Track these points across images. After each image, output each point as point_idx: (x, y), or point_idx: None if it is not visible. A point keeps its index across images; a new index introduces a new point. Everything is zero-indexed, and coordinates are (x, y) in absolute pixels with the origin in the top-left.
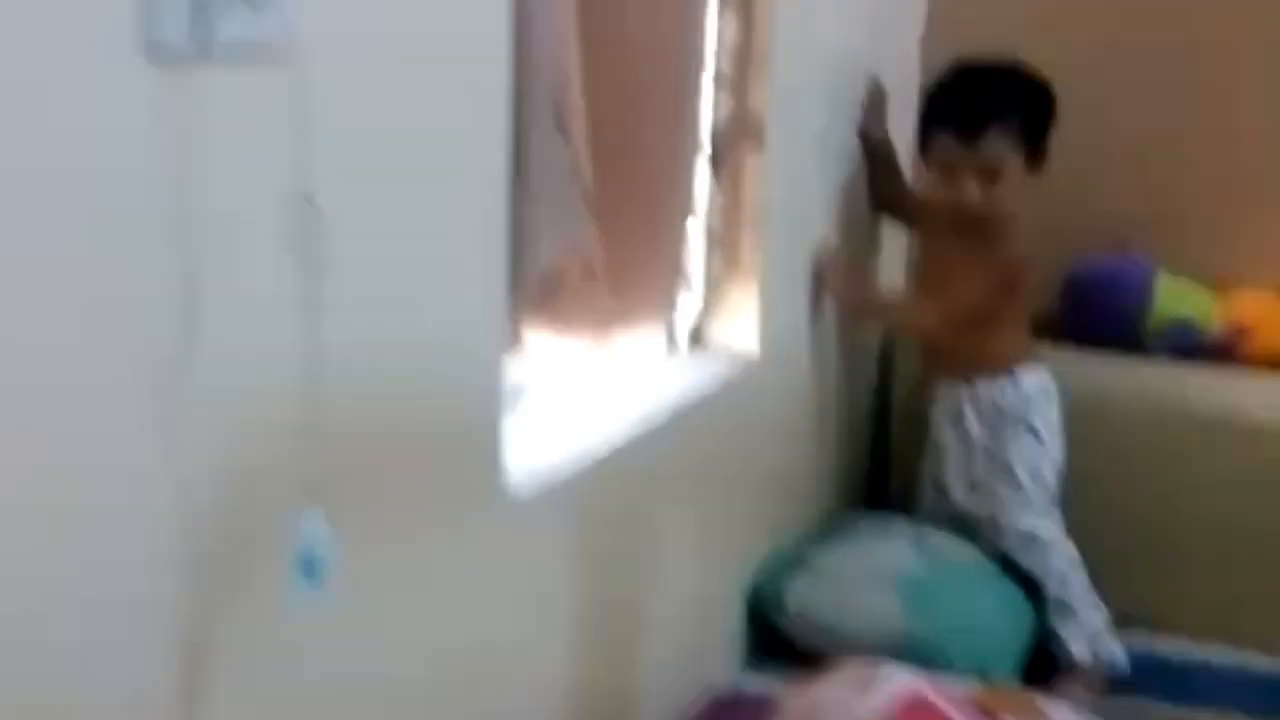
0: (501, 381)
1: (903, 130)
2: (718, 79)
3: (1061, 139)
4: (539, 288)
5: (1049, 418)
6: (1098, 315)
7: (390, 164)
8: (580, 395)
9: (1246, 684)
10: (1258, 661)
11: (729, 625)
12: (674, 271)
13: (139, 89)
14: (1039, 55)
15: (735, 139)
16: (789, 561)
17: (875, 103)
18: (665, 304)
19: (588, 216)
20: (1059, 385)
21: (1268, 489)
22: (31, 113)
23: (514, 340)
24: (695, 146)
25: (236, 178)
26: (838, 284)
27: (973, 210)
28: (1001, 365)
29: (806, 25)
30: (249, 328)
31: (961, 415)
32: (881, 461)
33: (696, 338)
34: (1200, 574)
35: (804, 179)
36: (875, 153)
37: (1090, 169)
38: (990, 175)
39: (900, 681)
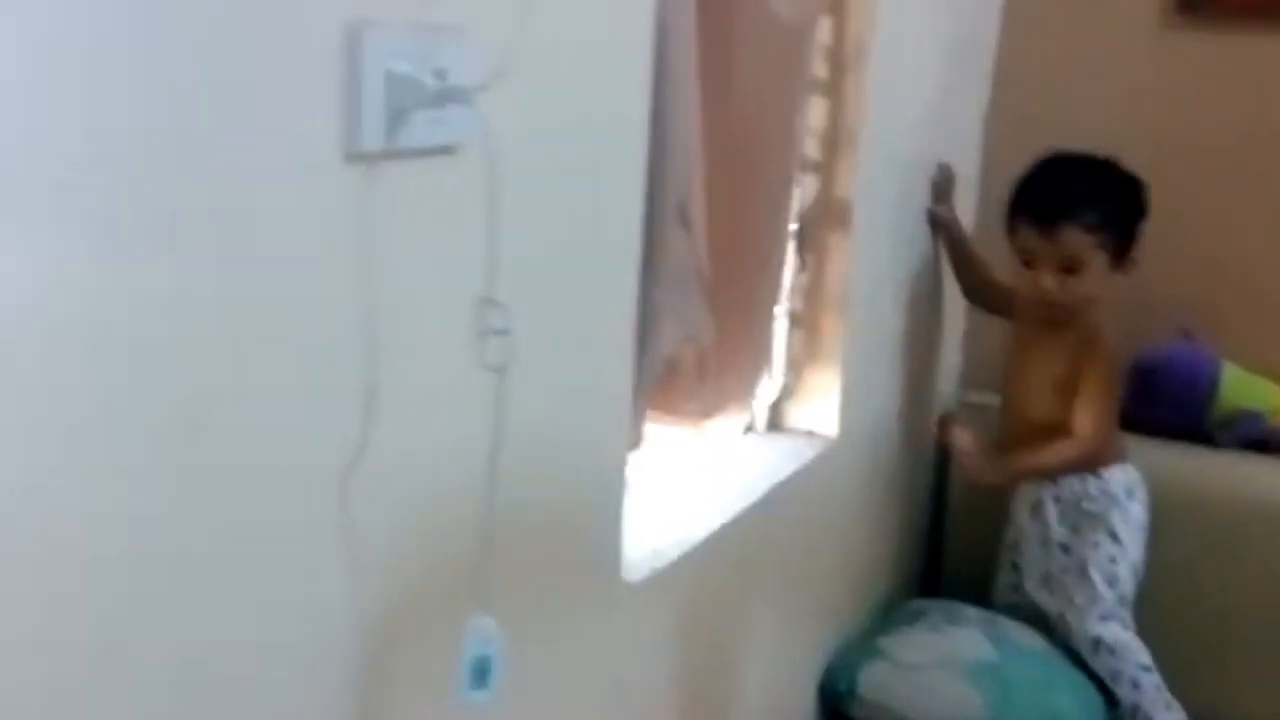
0: (624, 471)
1: (965, 214)
2: (805, 163)
3: None
4: (658, 377)
5: (1132, 517)
6: (1163, 404)
7: (551, 260)
8: (677, 480)
9: None
10: None
11: (804, 712)
12: (763, 356)
13: (338, 190)
14: (1102, 140)
15: (821, 222)
16: (861, 649)
17: (943, 185)
18: (753, 388)
19: (706, 307)
20: None
21: None
22: (248, 213)
23: (636, 429)
24: (788, 232)
25: (422, 273)
26: (979, 468)
27: (1050, 301)
28: (1088, 463)
29: (890, 110)
30: (430, 426)
31: (1041, 508)
32: (937, 546)
33: (775, 419)
34: (1273, 668)
35: (883, 262)
36: (946, 235)
37: (1155, 257)
38: (1070, 267)
39: None
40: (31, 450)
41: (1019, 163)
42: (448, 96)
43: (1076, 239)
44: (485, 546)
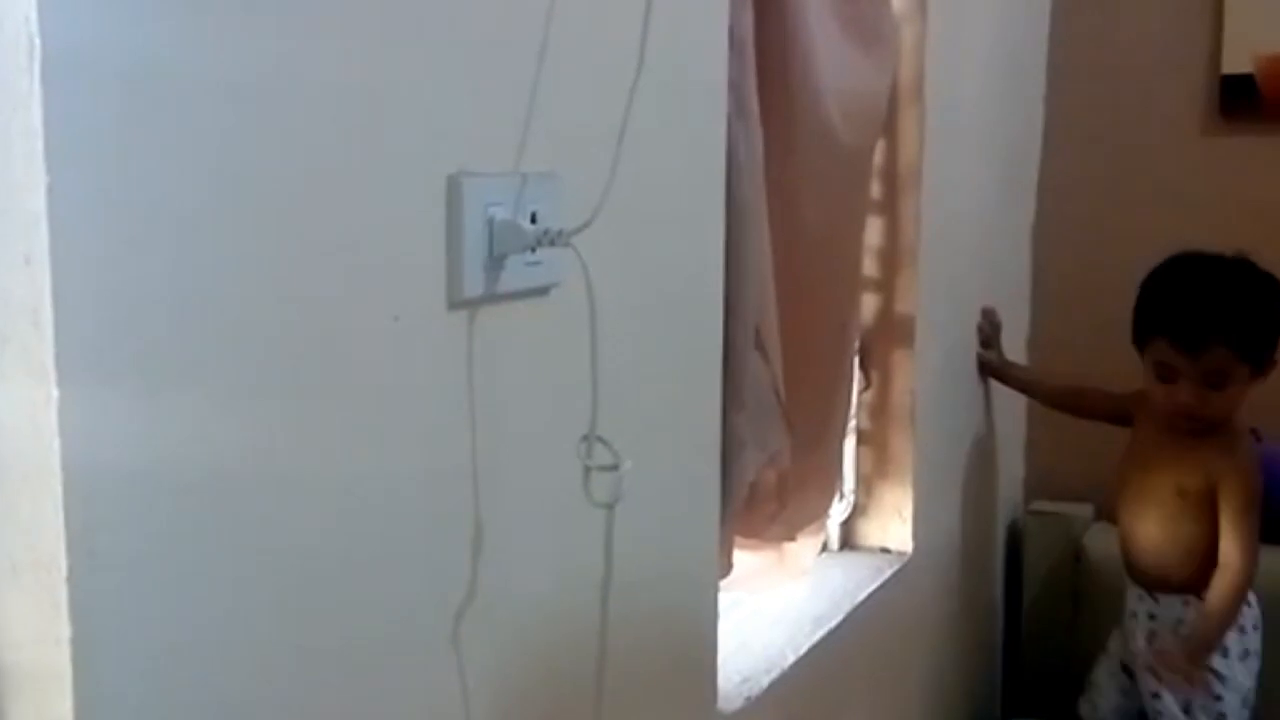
0: (717, 599)
1: (1019, 320)
2: (866, 282)
3: None
4: (742, 503)
5: (1250, 646)
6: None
7: (644, 394)
8: (762, 606)
9: None
10: None
11: None
12: (837, 475)
13: (444, 334)
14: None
15: (883, 340)
16: None
17: (990, 332)
18: (828, 508)
19: (785, 430)
20: None
21: None
22: (360, 363)
23: (725, 556)
24: (854, 351)
25: (526, 412)
26: (1184, 669)
27: (1191, 414)
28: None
29: (945, 226)
30: (540, 564)
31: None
32: (1016, 662)
33: (847, 538)
34: None
35: (945, 376)
36: (999, 377)
37: None
38: (1214, 382)
39: None
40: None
41: (1068, 271)
42: (544, 240)
43: (1222, 356)
44: (598, 683)
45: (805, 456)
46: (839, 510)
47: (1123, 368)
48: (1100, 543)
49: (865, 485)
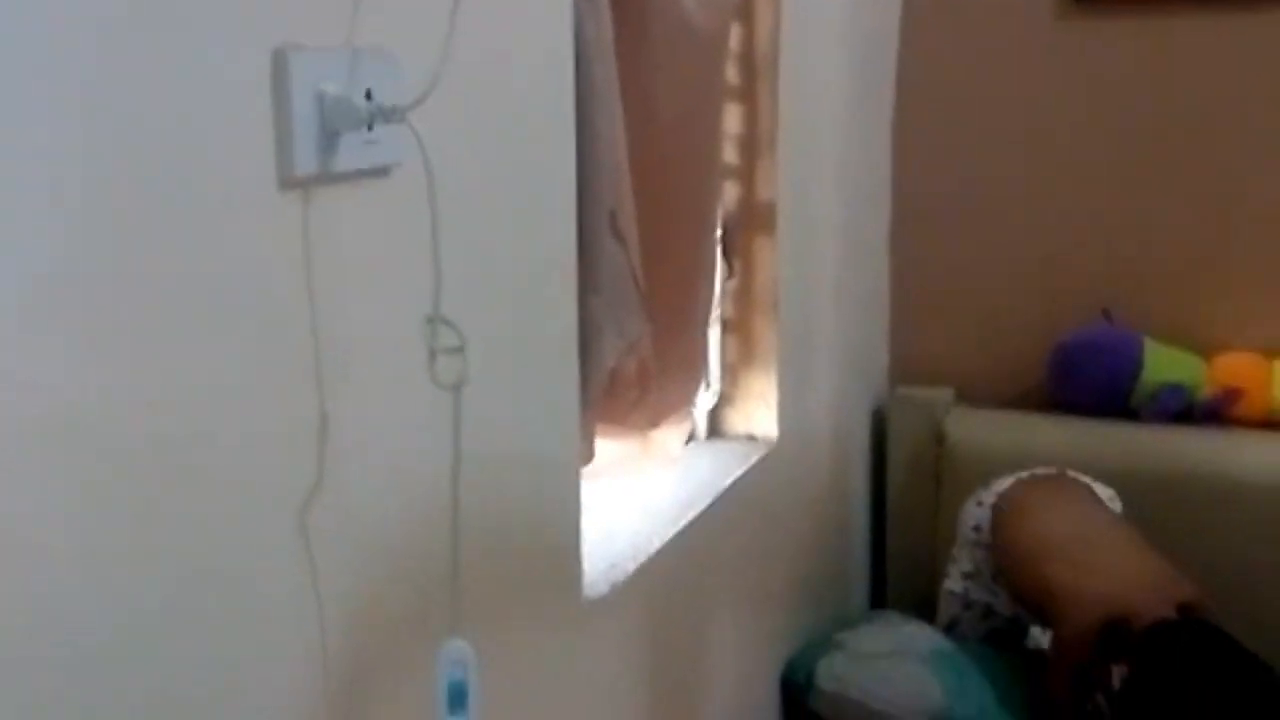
0: (579, 486)
1: (879, 219)
2: (726, 169)
3: (1044, 209)
4: (602, 389)
5: None
6: (1088, 384)
7: (492, 275)
8: (626, 493)
9: None
10: None
11: (767, 708)
12: (701, 364)
13: (276, 215)
14: (1011, 133)
15: (746, 227)
16: (820, 643)
17: None
18: (693, 396)
19: (645, 319)
20: (1048, 448)
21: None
22: (188, 236)
23: (586, 443)
24: (715, 239)
25: (367, 295)
26: None
27: None
28: None
29: (804, 113)
30: (387, 450)
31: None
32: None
33: (715, 427)
34: None
35: (810, 263)
36: None
37: (1073, 240)
38: None
39: None
40: None
41: (928, 166)
42: (379, 117)
43: None
44: (452, 569)
45: (667, 344)
46: (706, 399)
47: (985, 252)
48: (961, 426)
49: (731, 374)
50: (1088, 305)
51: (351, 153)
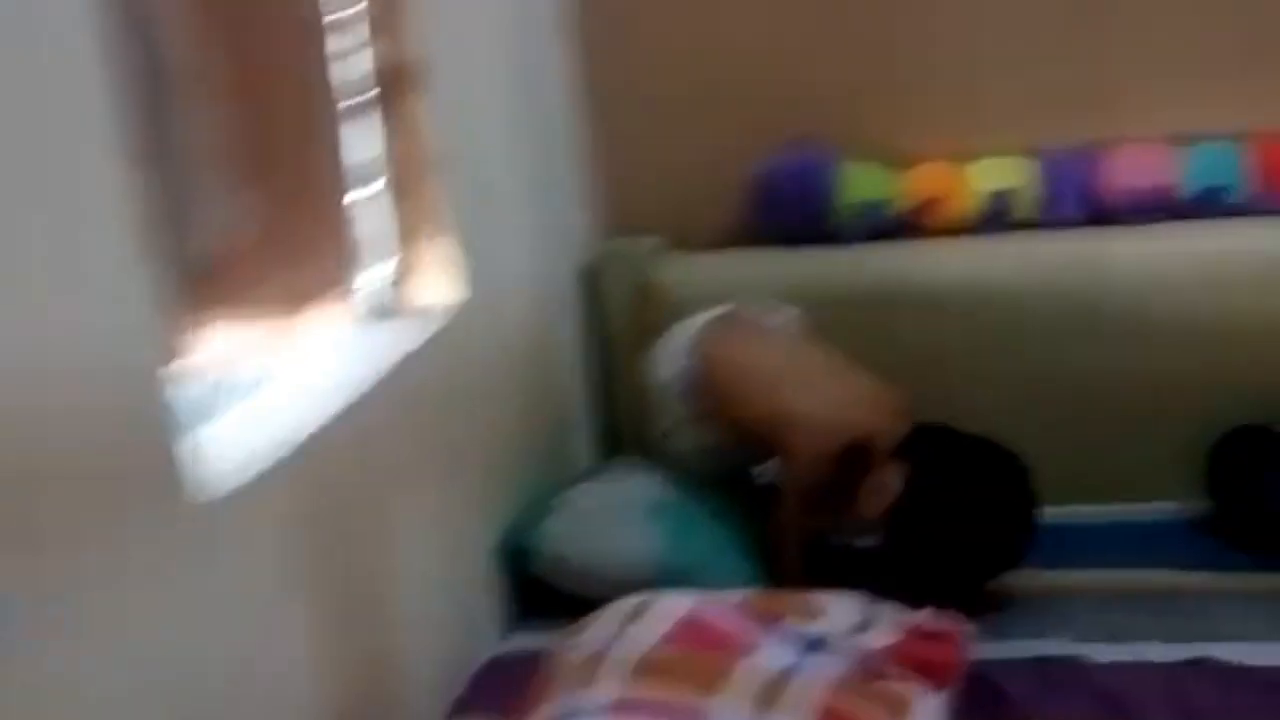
0: (164, 384)
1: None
2: (371, 23)
3: (732, 41)
4: (204, 272)
5: None
6: (788, 211)
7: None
8: (276, 381)
9: None
10: None
11: (488, 587)
12: (343, 237)
13: None
14: None
15: (395, 86)
16: (541, 506)
17: None
18: (343, 272)
19: (239, 189)
20: (755, 282)
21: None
22: None
23: (186, 336)
24: (331, 100)
25: None
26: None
27: None
28: None
29: None
30: None
31: None
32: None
33: (399, 297)
34: None
35: (485, 120)
36: None
37: (762, 68)
38: None
39: (669, 605)
40: None
41: (614, 8)
42: None
43: None
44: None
45: (293, 220)
46: (377, 271)
47: (680, 92)
48: (670, 274)
49: (407, 243)
50: (784, 133)
51: None
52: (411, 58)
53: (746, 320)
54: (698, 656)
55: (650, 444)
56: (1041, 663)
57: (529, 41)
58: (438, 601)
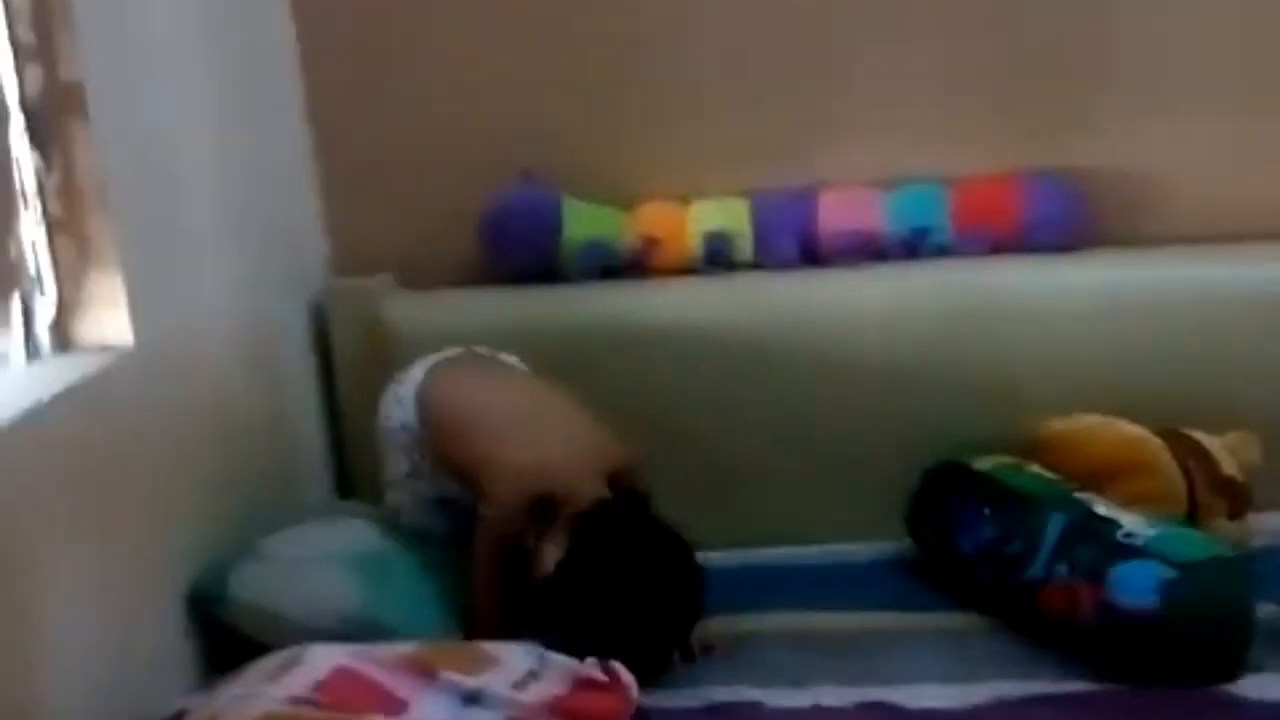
0: None
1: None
2: (24, 49)
3: (462, 77)
4: None
5: None
6: (512, 249)
7: None
8: None
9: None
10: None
11: (170, 642)
12: None
13: None
14: None
15: (54, 111)
16: (238, 551)
17: None
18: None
19: None
20: (485, 321)
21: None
22: None
23: None
24: None
25: None
26: None
27: None
28: None
29: None
30: None
31: None
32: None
33: (61, 339)
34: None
35: (177, 152)
36: None
37: (492, 104)
38: None
39: (322, 657)
40: None
41: (336, 35)
42: None
43: None
44: None
45: None
46: (39, 310)
47: (408, 125)
48: (397, 311)
49: (71, 278)
50: (513, 170)
51: None
52: (71, 80)
53: (467, 365)
54: (337, 715)
55: (381, 488)
56: (714, 710)
57: (244, 72)
58: (106, 665)
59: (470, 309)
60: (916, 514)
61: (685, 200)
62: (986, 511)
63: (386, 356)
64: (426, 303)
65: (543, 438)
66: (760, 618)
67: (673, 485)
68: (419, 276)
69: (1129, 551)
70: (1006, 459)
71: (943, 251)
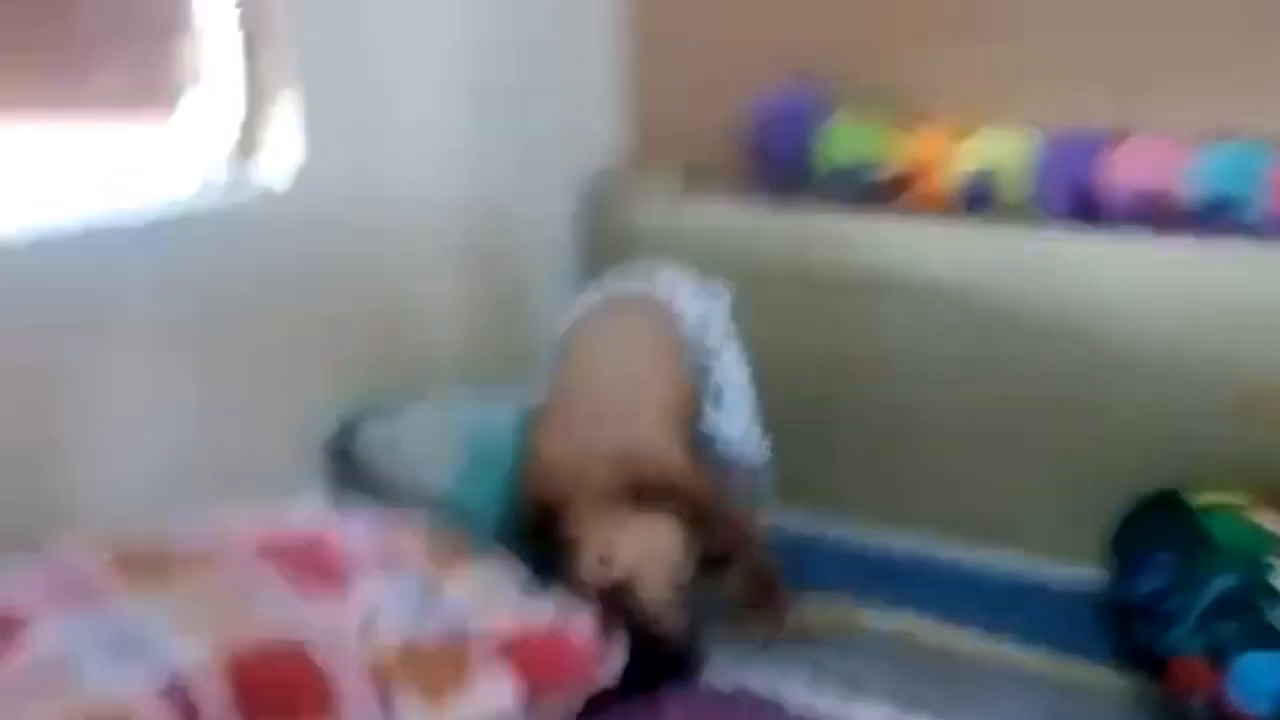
0: None
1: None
2: None
3: None
4: None
5: None
6: (769, 154)
7: None
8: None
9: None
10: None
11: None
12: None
13: None
14: None
15: None
16: (374, 412)
17: None
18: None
19: None
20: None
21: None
22: None
23: None
24: None
25: None
26: None
27: None
28: None
29: None
30: None
31: None
32: None
33: (247, 147)
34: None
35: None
36: None
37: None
38: None
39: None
40: None
41: None
42: None
43: None
44: None
45: None
46: (223, 112)
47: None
48: (642, 211)
49: (260, 93)
50: (789, 65)
51: None
52: None
53: (626, 310)
54: None
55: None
56: (731, 700)
57: None
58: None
59: (711, 221)
60: (1116, 543)
61: (963, 133)
62: (1165, 556)
63: (619, 252)
64: (678, 208)
65: (597, 440)
66: (882, 614)
67: (847, 448)
68: (692, 172)
69: (1273, 638)
70: (1236, 498)
71: (1248, 230)
